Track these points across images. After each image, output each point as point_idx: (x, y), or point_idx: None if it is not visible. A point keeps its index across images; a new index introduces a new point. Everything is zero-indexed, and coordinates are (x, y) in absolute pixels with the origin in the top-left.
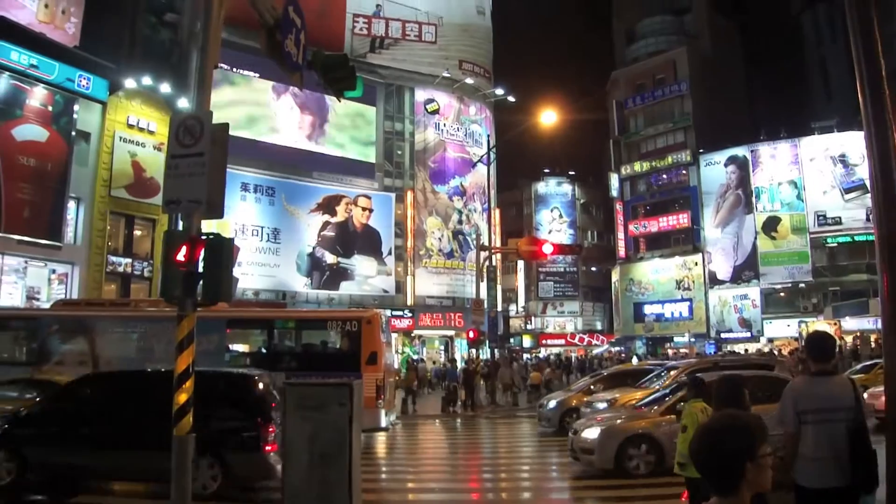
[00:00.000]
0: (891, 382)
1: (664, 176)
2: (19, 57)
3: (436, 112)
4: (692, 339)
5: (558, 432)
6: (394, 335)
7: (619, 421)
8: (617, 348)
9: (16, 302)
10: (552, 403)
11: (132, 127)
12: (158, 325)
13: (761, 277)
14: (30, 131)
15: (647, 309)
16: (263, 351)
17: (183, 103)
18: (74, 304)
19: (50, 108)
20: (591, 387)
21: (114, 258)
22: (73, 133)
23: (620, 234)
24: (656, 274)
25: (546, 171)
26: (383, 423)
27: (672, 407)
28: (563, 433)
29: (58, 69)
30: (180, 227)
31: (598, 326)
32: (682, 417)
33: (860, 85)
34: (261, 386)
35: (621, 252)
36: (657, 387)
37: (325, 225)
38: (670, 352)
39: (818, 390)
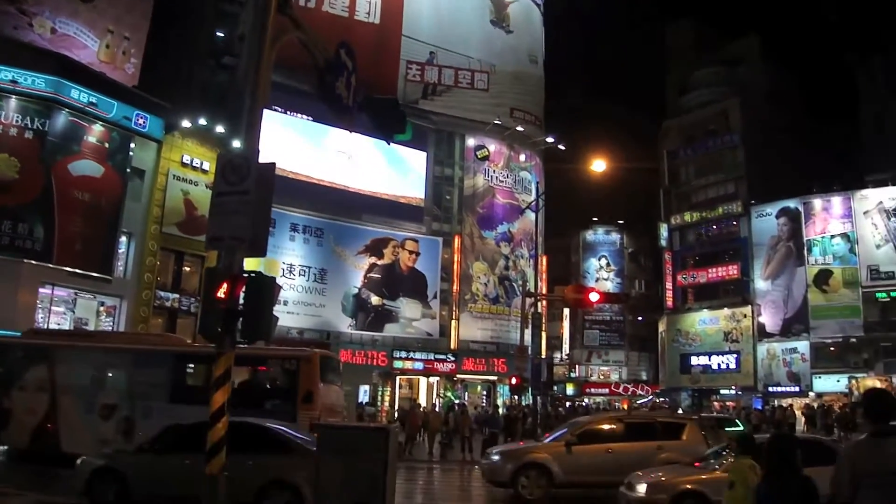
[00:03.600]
0: None
1: (714, 227)
2: (79, 95)
3: (486, 158)
4: (739, 393)
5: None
6: (435, 378)
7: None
8: (661, 399)
9: None
10: (495, 456)
11: (186, 166)
12: (114, 357)
13: (811, 331)
14: (86, 167)
15: (694, 360)
16: (196, 386)
17: (237, 144)
18: (43, 333)
19: (106, 145)
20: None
21: (162, 293)
22: (128, 170)
23: (668, 285)
24: (704, 325)
25: (594, 219)
26: None
27: None
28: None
29: (116, 108)
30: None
31: (644, 377)
32: (729, 473)
33: None
34: None
35: (669, 302)
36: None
37: (372, 267)
38: (716, 404)
39: (877, 452)
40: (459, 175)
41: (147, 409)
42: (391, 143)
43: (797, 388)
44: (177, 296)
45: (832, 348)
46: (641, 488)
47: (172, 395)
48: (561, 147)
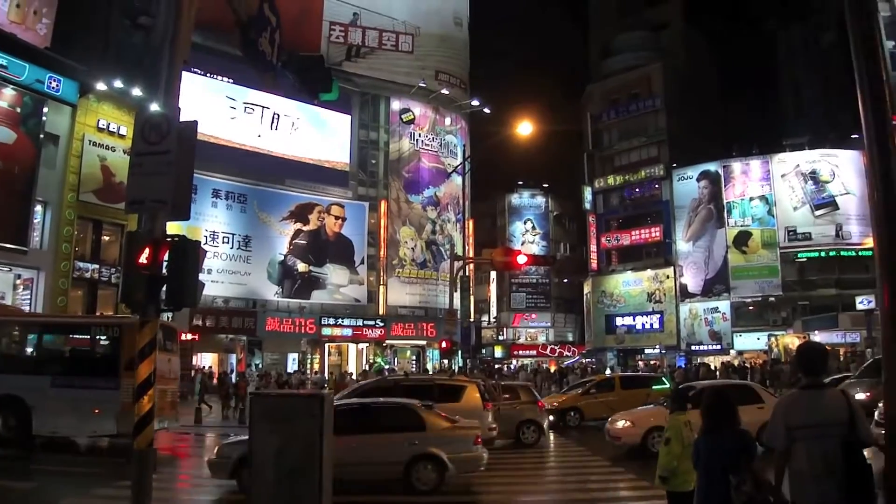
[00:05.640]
0: (890, 396)
1: (637, 190)
2: None
3: (411, 122)
4: (663, 352)
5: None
6: (365, 345)
7: None
8: (588, 360)
9: None
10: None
11: (102, 130)
12: None
13: (732, 291)
14: None
15: (619, 321)
16: (25, 355)
17: (156, 108)
18: None
19: (18, 110)
20: None
21: (81, 264)
22: (42, 136)
23: (593, 247)
24: (628, 286)
25: (520, 182)
26: None
27: None
28: None
29: (27, 70)
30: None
31: (570, 338)
32: (665, 430)
33: (861, 99)
34: None
35: (593, 264)
36: None
37: (298, 233)
38: (641, 363)
39: (810, 405)
40: (385, 139)
41: None
42: (316, 104)
43: (719, 347)
44: (96, 266)
45: (752, 307)
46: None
47: None
48: (486, 110)
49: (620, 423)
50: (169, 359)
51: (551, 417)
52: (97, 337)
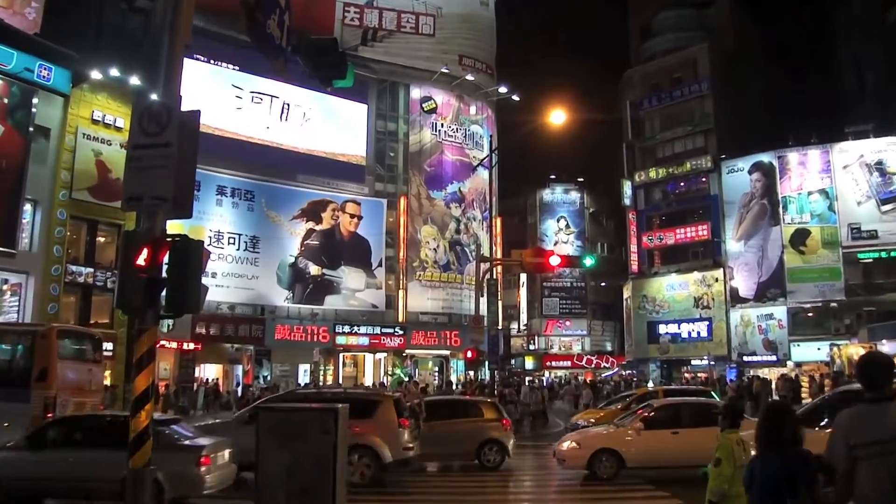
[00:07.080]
0: None
1: (682, 184)
2: None
3: (433, 111)
4: (712, 363)
5: None
6: (383, 354)
7: None
8: (628, 371)
9: None
10: None
11: (97, 123)
12: None
13: (788, 295)
14: None
15: (662, 328)
16: None
17: (155, 98)
18: None
19: (6, 101)
20: None
21: (74, 267)
22: (31, 128)
23: (633, 247)
24: (672, 290)
25: (552, 177)
26: None
27: None
28: None
29: (15, 58)
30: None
31: (608, 347)
32: (716, 450)
33: None
34: None
35: (634, 266)
36: None
37: (310, 233)
38: (687, 376)
39: (872, 421)
40: (404, 130)
41: None
42: (330, 93)
43: (774, 357)
44: (91, 270)
45: (811, 314)
46: None
47: None
48: (515, 98)
49: (566, 445)
50: (90, 369)
51: None
52: (8, 346)
